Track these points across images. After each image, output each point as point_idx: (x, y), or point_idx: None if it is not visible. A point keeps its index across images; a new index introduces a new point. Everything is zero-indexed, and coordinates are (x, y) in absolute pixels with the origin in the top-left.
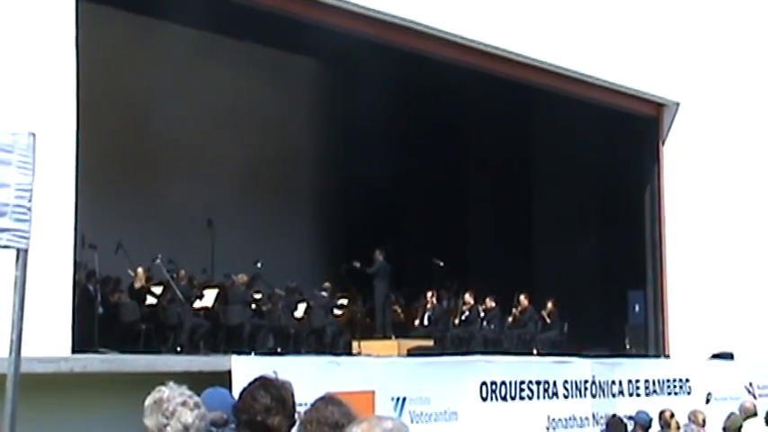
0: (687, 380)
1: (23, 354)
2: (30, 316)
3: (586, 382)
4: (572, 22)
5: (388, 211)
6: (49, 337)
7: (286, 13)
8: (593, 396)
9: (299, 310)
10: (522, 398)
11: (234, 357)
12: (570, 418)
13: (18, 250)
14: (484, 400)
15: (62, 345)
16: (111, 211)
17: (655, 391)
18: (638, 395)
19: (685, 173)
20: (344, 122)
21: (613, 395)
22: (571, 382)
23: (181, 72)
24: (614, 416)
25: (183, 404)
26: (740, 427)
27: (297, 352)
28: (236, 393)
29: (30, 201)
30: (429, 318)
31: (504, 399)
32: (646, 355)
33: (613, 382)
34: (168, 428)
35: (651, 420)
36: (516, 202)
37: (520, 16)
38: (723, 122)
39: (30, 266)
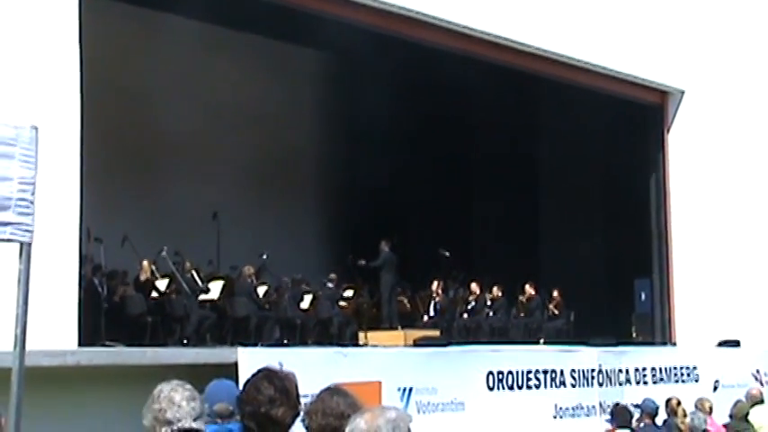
0: (694, 367)
1: (29, 347)
2: (36, 310)
3: (593, 370)
4: (575, 10)
5: (394, 203)
6: (56, 331)
7: (291, 5)
8: (600, 385)
9: (306, 302)
10: (528, 387)
11: (240, 349)
12: (577, 407)
13: (21, 244)
14: (491, 389)
15: (68, 338)
16: (116, 204)
17: (662, 379)
18: (645, 383)
19: (690, 160)
20: (349, 114)
21: (620, 383)
22: (578, 371)
23: (186, 65)
24: (618, 404)
25: (174, 390)
26: (747, 414)
27: (303, 343)
28: (242, 385)
29: (33, 194)
30: (435, 308)
31: (510, 388)
32: (652, 344)
33: (620, 371)
34: (159, 413)
35: (658, 408)
36: (522, 192)
37: (523, 6)
38: (728, 110)
39: (36, 260)
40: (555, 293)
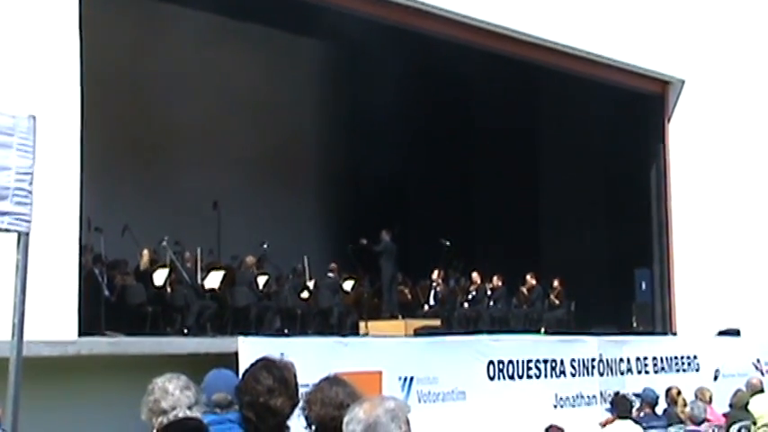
0: (695, 357)
1: (30, 337)
2: (36, 300)
3: (593, 360)
4: (576, 0)
5: (395, 192)
6: (56, 321)
7: None
8: (601, 374)
9: (306, 291)
10: (529, 376)
11: (240, 339)
12: (578, 396)
13: (19, 234)
14: (491, 379)
15: (69, 328)
16: (117, 194)
17: (662, 369)
18: (645, 372)
19: (691, 150)
20: (350, 104)
21: (621, 373)
22: (578, 361)
23: (187, 55)
24: (618, 393)
25: (168, 381)
26: (747, 403)
27: (304, 333)
28: (241, 375)
29: (30, 184)
30: (436, 297)
31: (511, 377)
32: (653, 333)
33: (621, 360)
34: (154, 404)
35: (658, 398)
36: (522, 182)
37: None
38: (728, 100)
39: (35, 250)
40: (556, 283)
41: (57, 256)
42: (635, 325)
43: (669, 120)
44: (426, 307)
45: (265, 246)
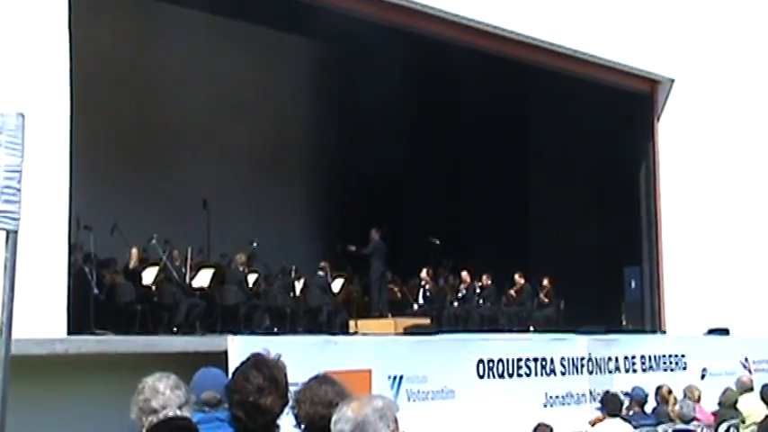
0: (683, 355)
1: (18, 336)
2: (25, 298)
3: (583, 358)
4: None
5: (385, 191)
6: (44, 319)
7: None
8: (590, 373)
9: (296, 290)
10: (519, 375)
11: (230, 337)
12: (567, 395)
13: (8, 232)
14: (481, 377)
15: (57, 326)
16: (106, 192)
17: (651, 367)
18: (634, 371)
19: (680, 149)
20: (340, 103)
21: (610, 371)
22: (568, 359)
23: (176, 54)
24: (608, 392)
25: (158, 380)
26: (736, 401)
27: (293, 331)
28: (231, 373)
29: (19, 182)
30: (425, 296)
31: (501, 376)
32: (642, 332)
33: (610, 359)
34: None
35: (647, 396)
36: (512, 180)
37: None
38: (718, 99)
39: (24, 248)
40: (545, 282)
41: (45, 254)
42: (624, 323)
43: (658, 118)
44: (416, 306)
45: (255, 244)
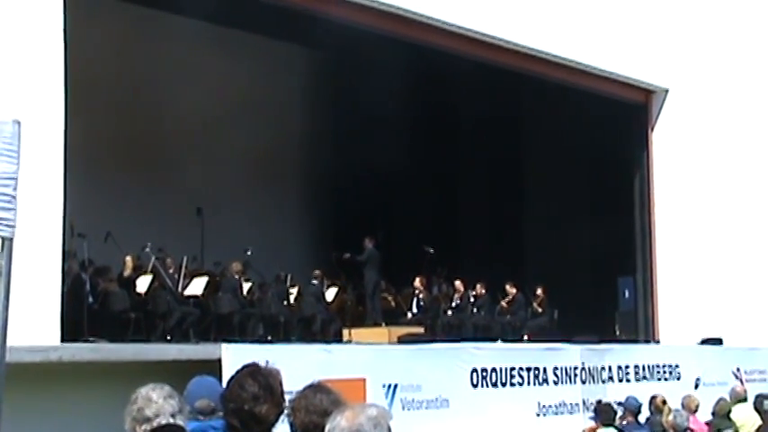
0: (676, 365)
1: (11, 343)
2: (18, 305)
3: (576, 368)
4: (561, 9)
5: (379, 199)
6: (38, 327)
7: (282, 3)
8: (584, 382)
9: (290, 298)
10: (512, 384)
11: (224, 346)
12: (560, 405)
13: (3, 239)
14: (474, 386)
15: (51, 334)
16: (100, 199)
17: (644, 377)
18: (627, 381)
19: (674, 159)
20: (334, 112)
21: (603, 381)
22: (561, 369)
23: (171, 61)
24: (601, 402)
25: (152, 390)
26: (729, 411)
27: (287, 340)
28: (226, 382)
29: (15, 189)
30: (419, 305)
31: (494, 385)
32: (635, 341)
33: (603, 369)
34: (137, 413)
35: (641, 406)
36: (506, 189)
37: (510, 4)
38: (712, 109)
39: (18, 256)
40: (539, 291)
41: (40, 261)
42: (618, 333)
43: (653, 129)
44: (410, 314)
45: (249, 252)
